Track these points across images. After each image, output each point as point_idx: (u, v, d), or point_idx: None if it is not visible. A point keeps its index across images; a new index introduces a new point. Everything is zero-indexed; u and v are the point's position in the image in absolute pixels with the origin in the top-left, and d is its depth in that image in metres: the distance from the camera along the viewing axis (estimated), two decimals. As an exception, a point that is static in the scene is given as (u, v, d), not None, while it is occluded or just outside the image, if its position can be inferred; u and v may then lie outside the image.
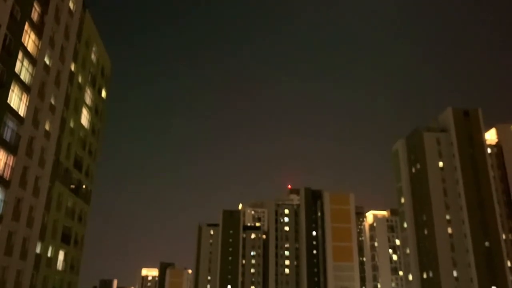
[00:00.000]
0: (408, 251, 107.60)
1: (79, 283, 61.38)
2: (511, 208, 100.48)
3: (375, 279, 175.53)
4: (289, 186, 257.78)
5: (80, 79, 57.87)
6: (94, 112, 64.35)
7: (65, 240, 55.28)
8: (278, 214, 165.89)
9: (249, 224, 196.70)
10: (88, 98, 61.57)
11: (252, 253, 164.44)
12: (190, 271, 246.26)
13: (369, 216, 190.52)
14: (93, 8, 61.01)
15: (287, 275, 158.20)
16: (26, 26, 42.38)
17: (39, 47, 45.17)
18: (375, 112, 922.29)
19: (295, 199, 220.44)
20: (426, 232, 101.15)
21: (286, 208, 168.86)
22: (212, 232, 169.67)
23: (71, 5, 53.16)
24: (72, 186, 56.98)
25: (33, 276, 46.57)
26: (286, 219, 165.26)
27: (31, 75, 43.79)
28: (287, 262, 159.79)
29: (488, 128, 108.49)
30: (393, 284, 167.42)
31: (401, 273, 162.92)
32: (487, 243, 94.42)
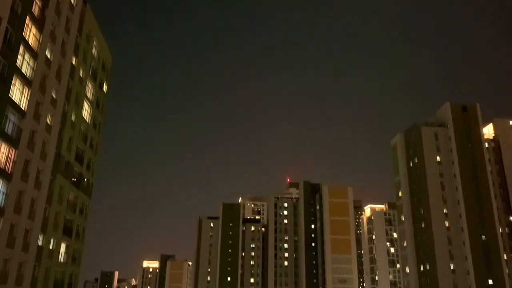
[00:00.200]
0: (405, 244, 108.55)
1: (81, 275, 62.17)
2: (508, 202, 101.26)
3: (372, 271, 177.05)
4: (288, 180, 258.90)
5: (81, 73, 58.19)
6: (95, 105, 64.74)
7: (67, 232, 55.93)
8: (278, 207, 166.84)
9: (248, 217, 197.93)
10: (89, 91, 61.93)
11: (252, 246, 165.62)
12: (190, 263, 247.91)
13: (367, 209, 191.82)
14: (93, 2, 61.23)
15: (286, 267, 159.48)
16: (27, 20, 42.63)
17: (40, 41, 45.45)
18: (374, 106, 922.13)
19: (294, 192, 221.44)
20: (423, 225, 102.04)
21: (285, 202, 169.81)
22: (212, 225, 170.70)
23: (71, -1, 53.34)
24: (74, 179, 57.53)
25: (35, 268, 47.23)
26: (285, 212, 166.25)
27: (33, 68, 44.13)
28: (286, 255, 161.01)
29: (486, 122, 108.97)
30: (390, 277, 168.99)
31: (398, 265, 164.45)
32: (483, 237, 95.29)
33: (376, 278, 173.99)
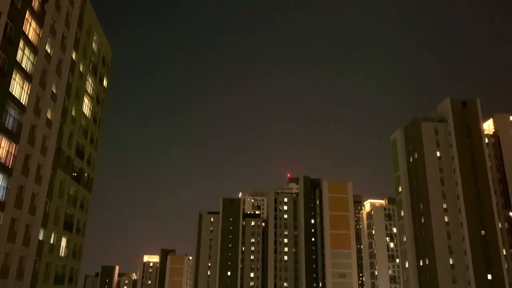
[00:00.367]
0: (405, 239, 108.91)
1: (81, 269, 62.47)
2: (507, 198, 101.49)
3: (372, 266, 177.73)
4: (288, 175, 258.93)
5: (81, 68, 58.14)
6: (96, 100, 64.73)
7: (67, 227, 56.12)
8: (278, 202, 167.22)
9: (248, 212, 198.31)
10: (89, 86, 61.90)
11: (252, 240, 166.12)
12: (190, 257, 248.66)
13: (367, 204, 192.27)
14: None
15: (286, 261, 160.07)
16: (27, 15, 42.58)
17: (40, 35, 45.41)
18: (374, 102, 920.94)
19: (294, 187, 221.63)
20: (423, 220, 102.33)
21: (285, 197, 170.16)
22: (212, 220, 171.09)
23: (71, -7, 53.19)
24: (74, 174, 57.64)
25: (36, 262, 47.44)
26: (285, 207, 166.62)
27: (33, 63, 44.12)
28: (286, 249, 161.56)
29: (486, 118, 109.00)
30: (390, 271, 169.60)
31: (398, 260, 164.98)
32: (483, 232, 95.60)
33: (376, 273, 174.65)
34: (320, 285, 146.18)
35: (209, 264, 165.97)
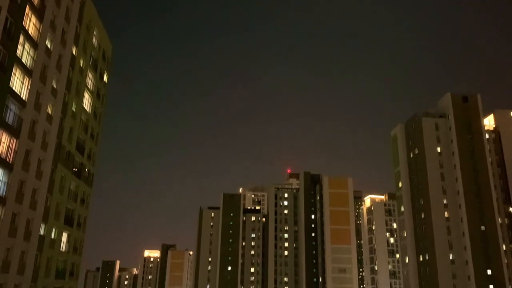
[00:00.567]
0: (405, 234, 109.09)
1: (82, 264, 62.66)
2: (508, 193, 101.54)
3: (372, 261, 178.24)
4: (289, 170, 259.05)
5: (81, 63, 58.05)
6: (96, 96, 64.69)
7: (68, 222, 56.26)
8: (278, 198, 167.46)
9: (249, 207, 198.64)
10: (89, 82, 61.84)
11: (252, 236, 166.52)
12: (191, 252, 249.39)
13: (367, 200, 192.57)
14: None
15: (286, 257, 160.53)
16: (27, 10, 42.47)
17: (40, 30, 45.31)
18: (375, 97, 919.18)
19: (295, 183, 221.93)
20: (423, 215, 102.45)
21: (285, 192, 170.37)
22: (213, 215, 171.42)
23: (71, -12, 53.02)
24: (75, 169, 57.71)
25: (37, 257, 47.61)
26: (286, 203, 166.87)
27: (33, 58, 44.06)
28: (286, 245, 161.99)
29: (486, 113, 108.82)
30: (390, 267, 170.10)
31: (397, 255, 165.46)
32: (483, 227, 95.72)
33: (376, 268, 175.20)
34: (320, 280, 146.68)
35: (210, 259, 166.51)
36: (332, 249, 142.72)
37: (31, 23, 43.41)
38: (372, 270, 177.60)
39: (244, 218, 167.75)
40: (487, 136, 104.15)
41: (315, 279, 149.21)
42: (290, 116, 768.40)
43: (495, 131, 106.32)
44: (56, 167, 51.22)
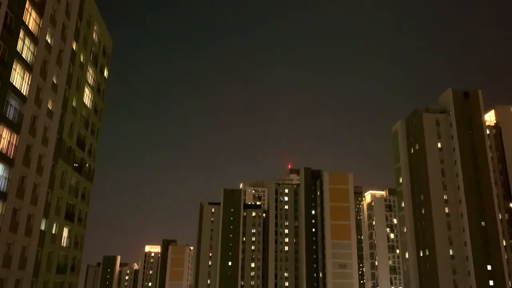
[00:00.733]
0: (405, 230, 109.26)
1: (83, 259, 62.84)
2: (508, 189, 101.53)
3: (372, 256, 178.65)
4: (289, 166, 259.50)
5: (81, 58, 57.95)
6: (96, 91, 64.62)
7: (69, 217, 56.37)
8: (278, 193, 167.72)
9: (249, 203, 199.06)
10: (90, 77, 61.74)
11: (253, 231, 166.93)
12: (191, 248, 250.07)
13: (368, 195, 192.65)
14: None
15: (286, 252, 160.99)
16: (27, 5, 42.33)
17: (40, 25, 45.18)
18: (375, 94, 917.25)
19: (295, 178, 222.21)
20: (423, 211, 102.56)
21: (286, 188, 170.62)
22: (213, 210, 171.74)
23: (71, -17, 52.83)
24: (75, 165, 57.77)
25: (38, 252, 47.74)
26: (286, 198, 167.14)
27: (33, 54, 43.96)
28: (286, 240, 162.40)
29: (487, 109, 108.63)
30: (390, 262, 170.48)
31: (398, 251, 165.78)
32: (483, 223, 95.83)
33: (376, 264, 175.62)
34: (321, 275, 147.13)
35: (210, 254, 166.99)
36: (333, 244, 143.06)
37: (31, 18, 43.29)
38: (372, 266, 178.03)
39: (245, 213, 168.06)
40: (488, 132, 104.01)
41: (315, 274, 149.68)
42: (291, 113, 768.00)
43: (496, 127, 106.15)
44: (56, 163, 51.26)
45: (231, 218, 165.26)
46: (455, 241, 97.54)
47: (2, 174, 39.28)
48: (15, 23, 40.13)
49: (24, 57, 42.20)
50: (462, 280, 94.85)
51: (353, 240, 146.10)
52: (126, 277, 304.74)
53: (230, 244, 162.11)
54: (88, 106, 61.27)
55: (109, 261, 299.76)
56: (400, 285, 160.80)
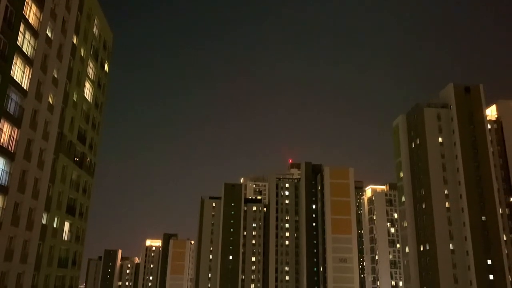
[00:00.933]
0: (405, 224, 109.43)
1: (84, 253, 63.07)
2: (509, 184, 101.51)
3: (373, 251, 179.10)
4: (290, 161, 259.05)
5: (82, 53, 57.79)
6: (97, 85, 64.52)
7: (70, 211, 56.49)
8: (279, 188, 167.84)
9: (250, 197, 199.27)
10: (90, 71, 61.62)
11: (253, 225, 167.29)
12: (192, 242, 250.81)
13: (368, 190, 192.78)
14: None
15: (287, 246, 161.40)
16: (27, -2, 42.15)
17: (41, 19, 45.03)
18: (377, 88, 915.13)
19: (296, 173, 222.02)
20: (424, 206, 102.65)
21: (286, 182, 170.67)
22: (214, 205, 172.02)
23: (71, -24, 52.57)
24: (76, 159, 57.80)
25: (39, 246, 47.89)
26: (287, 193, 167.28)
27: (33, 48, 43.85)
28: (287, 234, 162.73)
29: (489, 104, 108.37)
30: (390, 256, 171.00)
31: (398, 245, 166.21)
32: (483, 218, 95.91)
33: (376, 258, 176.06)
34: (321, 269, 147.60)
35: (211, 249, 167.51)
36: (333, 238, 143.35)
37: (31, 12, 43.14)
38: (373, 260, 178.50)
39: (245, 208, 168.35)
40: (489, 126, 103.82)
41: (315, 269, 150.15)
42: (292, 108, 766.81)
43: (497, 121, 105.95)
44: (57, 157, 51.29)
45: (232, 213, 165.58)
46: (455, 235, 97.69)
47: (3, 168, 39.32)
48: (16, 17, 39.99)
49: (25, 51, 42.10)
50: (462, 275, 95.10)
51: (354, 234, 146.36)
52: (127, 271, 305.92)
53: (231, 238, 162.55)
54: (88, 100, 61.19)
55: (110, 255, 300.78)
56: (400, 279, 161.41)
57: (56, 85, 49.65)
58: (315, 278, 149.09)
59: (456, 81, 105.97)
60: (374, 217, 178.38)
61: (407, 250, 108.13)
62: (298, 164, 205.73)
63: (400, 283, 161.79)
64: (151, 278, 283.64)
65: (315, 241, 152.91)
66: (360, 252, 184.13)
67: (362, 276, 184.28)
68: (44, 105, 46.39)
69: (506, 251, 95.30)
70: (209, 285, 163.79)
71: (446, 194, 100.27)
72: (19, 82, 41.24)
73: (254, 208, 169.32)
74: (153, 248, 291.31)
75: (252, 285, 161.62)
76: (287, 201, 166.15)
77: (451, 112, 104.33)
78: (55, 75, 49.35)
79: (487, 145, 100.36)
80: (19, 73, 41.41)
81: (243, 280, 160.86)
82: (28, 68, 42.95)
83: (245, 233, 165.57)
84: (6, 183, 39.67)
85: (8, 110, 39.45)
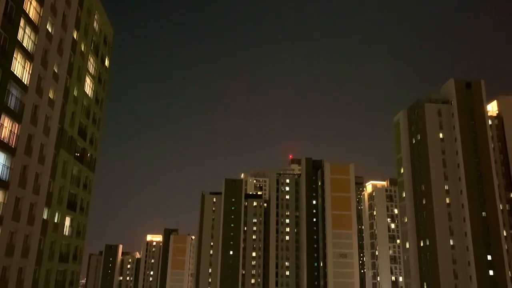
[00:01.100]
0: (406, 220, 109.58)
1: (85, 248, 63.27)
2: (509, 179, 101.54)
3: (373, 246, 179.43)
4: (291, 156, 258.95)
5: (82, 48, 57.68)
6: (98, 80, 64.45)
7: (71, 206, 56.61)
8: (279, 183, 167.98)
9: (251, 193, 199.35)
10: (91, 66, 61.53)
11: (254, 221, 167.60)
12: (193, 237, 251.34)
13: (369, 186, 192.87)
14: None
15: (287, 241, 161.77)
16: (28, -7, 42.03)
17: (41, 14, 44.89)
18: (377, 84, 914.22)
19: (296, 168, 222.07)
20: (424, 201, 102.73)
21: (287, 178, 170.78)
22: (214, 200, 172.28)
23: (71, -29, 52.38)
24: (77, 154, 57.84)
25: (40, 240, 48.02)
26: (287, 188, 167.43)
27: (34, 43, 43.75)
28: (287, 230, 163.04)
29: (490, 99, 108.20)
30: (390, 252, 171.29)
31: (398, 241, 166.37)
32: (484, 213, 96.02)
33: (376, 253, 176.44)
34: (321, 264, 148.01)
35: (212, 244, 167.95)
36: (333, 234, 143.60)
37: (31, 7, 43.01)
38: (373, 255, 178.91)
39: (246, 203, 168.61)
40: (490, 122, 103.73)
41: (316, 264, 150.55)
42: (293, 104, 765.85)
43: (498, 117, 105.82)
44: (58, 152, 51.33)
45: (232, 208, 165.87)
46: (455, 231, 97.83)
47: (4, 163, 39.37)
48: (16, 12, 39.88)
49: (25, 46, 42.01)
50: (462, 270, 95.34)
51: (354, 230, 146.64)
52: (128, 266, 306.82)
53: (232, 234, 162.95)
54: (89, 95, 61.15)
55: (111, 250, 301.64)
56: (400, 275, 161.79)
57: (57, 80, 49.60)
58: (315, 273, 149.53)
59: (457, 77, 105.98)
60: (375, 213, 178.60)
61: (407, 245, 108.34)
62: (299, 159, 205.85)
63: (400, 279, 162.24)
64: (151, 273, 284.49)
65: (315, 237, 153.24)
66: (361, 247, 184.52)
67: (362, 271, 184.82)
68: (44, 100, 46.37)
69: (506, 247, 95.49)
70: (210, 280, 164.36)
71: (446, 189, 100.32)
72: (19, 77, 41.20)
73: (255, 204, 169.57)
74: (154, 243, 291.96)
75: (252, 280, 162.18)
76: (287, 197, 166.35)
77: (452, 108, 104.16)
78: (56, 70, 49.29)
79: (487, 141, 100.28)
80: (20, 68, 41.36)
81: (243, 275, 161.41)
82: (29, 63, 42.88)
83: (245, 228, 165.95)
84: (7, 178, 39.73)
85: (8, 105, 39.43)
